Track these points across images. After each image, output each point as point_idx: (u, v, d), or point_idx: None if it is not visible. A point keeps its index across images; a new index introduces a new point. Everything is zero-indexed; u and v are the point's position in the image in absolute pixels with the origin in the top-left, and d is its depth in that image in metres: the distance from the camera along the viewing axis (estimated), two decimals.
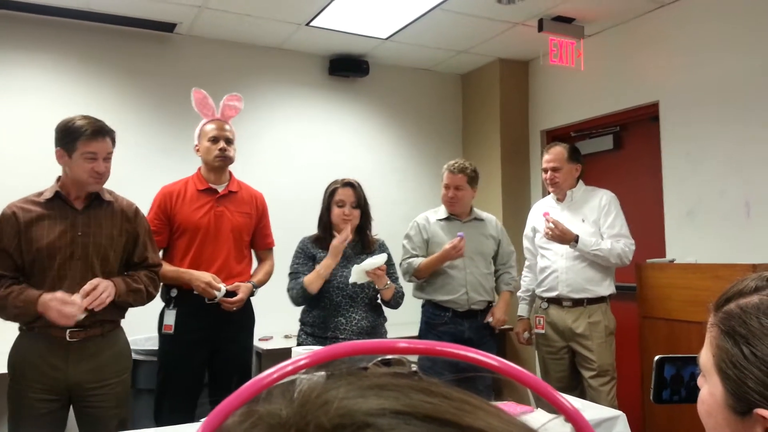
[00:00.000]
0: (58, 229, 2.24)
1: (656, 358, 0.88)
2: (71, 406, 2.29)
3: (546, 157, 3.30)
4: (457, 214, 3.26)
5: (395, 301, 2.85)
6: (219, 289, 2.63)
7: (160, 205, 2.75)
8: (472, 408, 0.28)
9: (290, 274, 2.81)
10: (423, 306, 3.27)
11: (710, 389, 0.70)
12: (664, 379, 0.86)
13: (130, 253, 2.41)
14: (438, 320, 3.16)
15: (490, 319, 3.19)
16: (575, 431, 0.32)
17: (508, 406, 2.73)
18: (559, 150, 3.27)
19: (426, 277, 3.15)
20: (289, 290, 2.76)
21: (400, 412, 0.26)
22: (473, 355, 0.31)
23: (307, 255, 2.80)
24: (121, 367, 2.37)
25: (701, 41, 3.53)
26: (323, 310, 2.74)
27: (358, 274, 2.63)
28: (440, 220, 3.26)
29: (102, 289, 2.20)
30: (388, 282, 2.76)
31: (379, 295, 2.83)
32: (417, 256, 3.18)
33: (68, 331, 2.19)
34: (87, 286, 2.19)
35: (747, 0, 3.30)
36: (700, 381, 0.76)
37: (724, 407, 0.67)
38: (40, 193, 2.31)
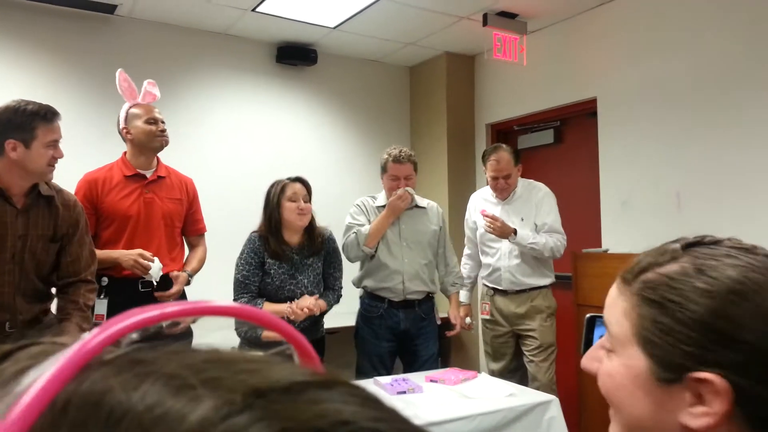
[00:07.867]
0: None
1: (587, 315, 0.87)
2: None
3: (495, 165, 3.23)
4: None
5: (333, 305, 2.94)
6: (152, 261, 2.54)
7: (85, 194, 2.61)
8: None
9: (239, 282, 2.71)
10: (360, 297, 3.24)
11: (625, 361, 0.68)
12: (592, 338, 0.85)
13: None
14: (374, 312, 3.09)
15: (439, 322, 3.21)
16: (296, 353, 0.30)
17: (452, 372, 2.78)
18: (507, 157, 3.24)
19: (374, 246, 3.02)
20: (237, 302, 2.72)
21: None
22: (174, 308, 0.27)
23: (257, 262, 2.71)
24: None
25: (638, 40, 3.66)
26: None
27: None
28: (380, 207, 3.12)
29: None
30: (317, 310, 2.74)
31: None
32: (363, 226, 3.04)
33: (7, 323, 2.15)
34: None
35: (684, 1, 3.44)
36: (598, 354, 0.73)
37: (647, 378, 0.65)
38: None
